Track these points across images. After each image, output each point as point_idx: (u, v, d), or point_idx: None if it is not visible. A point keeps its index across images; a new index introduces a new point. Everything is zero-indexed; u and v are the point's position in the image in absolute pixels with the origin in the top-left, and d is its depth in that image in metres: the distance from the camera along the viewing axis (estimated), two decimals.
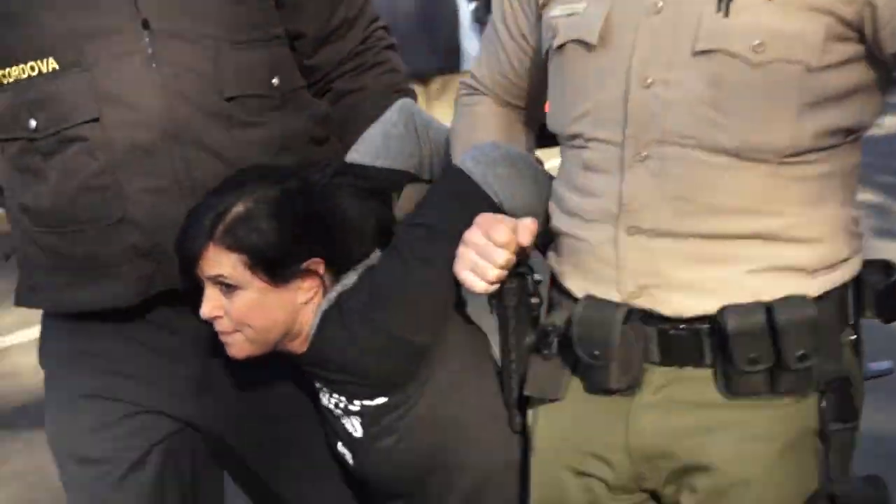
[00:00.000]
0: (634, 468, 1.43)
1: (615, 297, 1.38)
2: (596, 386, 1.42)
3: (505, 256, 1.45)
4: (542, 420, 1.52)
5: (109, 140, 1.68)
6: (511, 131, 1.68)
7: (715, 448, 1.37)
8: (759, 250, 1.33)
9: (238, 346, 1.60)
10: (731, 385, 1.35)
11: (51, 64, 1.67)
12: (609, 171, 1.37)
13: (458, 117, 1.72)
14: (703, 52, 1.30)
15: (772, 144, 1.30)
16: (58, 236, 1.76)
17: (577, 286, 1.44)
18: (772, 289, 1.33)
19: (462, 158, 1.57)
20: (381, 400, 1.59)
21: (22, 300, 1.88)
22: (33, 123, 1.70)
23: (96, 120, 1.68)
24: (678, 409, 1.39)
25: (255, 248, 1.53)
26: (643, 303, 1.37)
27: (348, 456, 1.70)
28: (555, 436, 1.49)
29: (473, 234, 1.46)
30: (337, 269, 1.62)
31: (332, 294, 1.61)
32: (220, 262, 1.54)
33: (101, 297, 1.75)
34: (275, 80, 1.79)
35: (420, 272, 1.54)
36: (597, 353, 1.38)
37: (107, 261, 1.73)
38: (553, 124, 1.49)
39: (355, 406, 1.62)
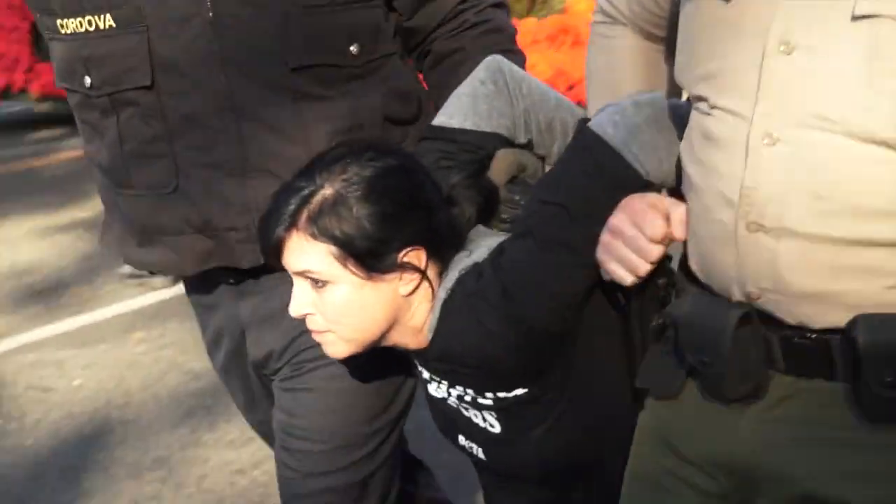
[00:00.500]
0: (737, 490, 1.26)
1: (735, 293, 1.19)
2: (710, 392, 1.25)
3: (659, 252, 1.27)
4: (647, 411, 1.37)
5: (163, 108, 1.59)
6: (652, 71, 1.46)
7: (841, 483, 1.17)
8: None
9: (334, 346, 1.46)
10: (866, 407, 1.14)
11: (108, 21, 1.58)
12: (732, 149, 1.14)
13: (594, 50, 1.51)
14: (866, 17, 1.03)
15: None
16: (118, 195, 1.72)
17: (699, 272, 1.25)
18: None
19: (600, 122, 1.35)
20: (519, 391, 1.45)
21: (104, 241, 1.85)
22: (88, 81, 1.64)
23: (149, 87, 1.58)
24: (800, 426, 1.20)
25: (345, 238, 1.37)
26: (764, 304, 1.17)
27: (476, 450, 1.58)
28: (657, 434, 1.35)
29: (623, 224, 1.28)
30: (441, 254, 1.45)
31: (449, 283, 1.44)
32: (306, 253, 1.38)
33: (160, 262, 1.71)
34: (353, 48, 1.63)
35: (562, 260, 1.35)
36: (706, 359, 1.20)
37: (163, 230, 1.67)
38: (679, 78, 1.26)
39: (486, 399, 1.48)
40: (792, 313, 1.15)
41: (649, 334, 1.33)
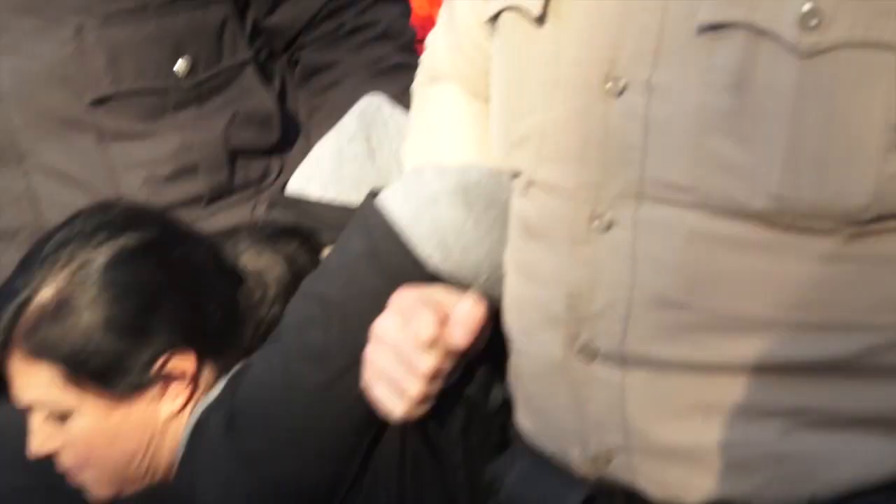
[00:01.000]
0: None
1: (575, 456, 0.81)
2: None
3: (430, 364, 0.90)
4: None
5: None
6: (486, 134, 1.12)
7: None
8: (814, 391, 0.73)
9: (95, 489, 1.12)
10: None
11: None
12: (553, 240, 0.80)
13: (415, 112, 1.17)
14: (713, 28, 0.70)
15: (838, 202, 0.69)
16: None
17: (527, 426, 0.87)
18: (842, 455, 0.73)
19: (389, 191, 1.04)
20: None
21: None
22: None
23: None
24: None
25: (74, 355, 1.04)
26: (619, 471, 0.79)
27: None
28: None
29: (388, 325, 0.93)
30: (221, 353, 1.10)
31: (209, 398, 1.08)
32: (30, 379, 1.06)
33: None
34: (179, 66, 1.29)
35: (310, 378, 1.00)
36: None
37: None
38: (495, 148, 0.93)
39: None
40: (657, 481, 0.77)
41: (479, 494, 0.96)
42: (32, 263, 1.08)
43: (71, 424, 1.07)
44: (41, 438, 1.09)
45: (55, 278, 1.06)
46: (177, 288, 1.09)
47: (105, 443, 1.08)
